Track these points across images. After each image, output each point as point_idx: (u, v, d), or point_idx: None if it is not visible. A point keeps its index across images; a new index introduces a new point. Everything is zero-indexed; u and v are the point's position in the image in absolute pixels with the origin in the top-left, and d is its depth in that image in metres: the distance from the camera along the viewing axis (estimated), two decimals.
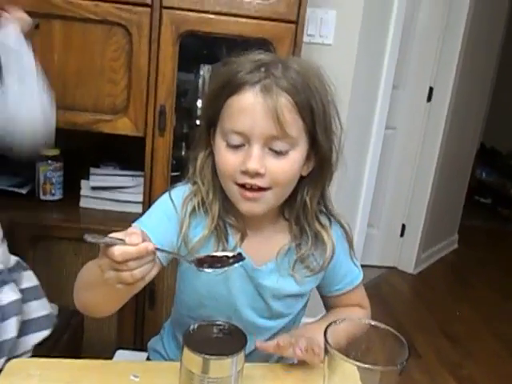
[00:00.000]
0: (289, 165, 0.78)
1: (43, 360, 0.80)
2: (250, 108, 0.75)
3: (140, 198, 1.53)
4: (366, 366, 0.56)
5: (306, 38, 1.73)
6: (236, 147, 0.77)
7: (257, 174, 0.75)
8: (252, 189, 0.77)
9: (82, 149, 1.63)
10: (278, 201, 0.82)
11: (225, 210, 0.84)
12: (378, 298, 2.62)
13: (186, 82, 1.66)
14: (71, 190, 1.63)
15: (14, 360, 0.79)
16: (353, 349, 0.65)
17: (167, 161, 1.47)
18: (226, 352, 0.63)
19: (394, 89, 2.42)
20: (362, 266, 0.97)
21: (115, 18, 1.36)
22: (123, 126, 1.44)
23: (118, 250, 0.60)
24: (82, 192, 1.61)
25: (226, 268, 0.70)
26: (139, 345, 1.51)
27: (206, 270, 0.70)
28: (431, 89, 2.72)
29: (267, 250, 0.86)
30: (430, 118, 2.76)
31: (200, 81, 1.67)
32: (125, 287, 0.63)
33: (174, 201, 0.85)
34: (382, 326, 0.65)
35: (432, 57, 2.67)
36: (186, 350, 0.64)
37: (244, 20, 1.39)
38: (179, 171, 1.48)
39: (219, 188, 0.83)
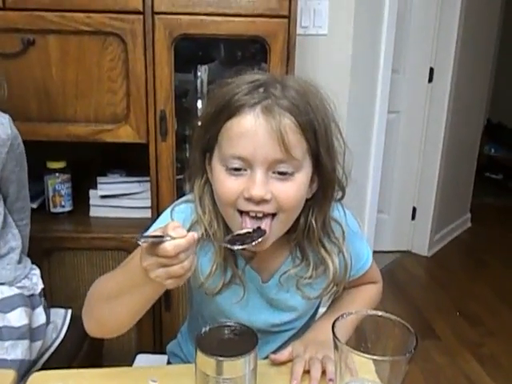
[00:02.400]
0: (295, 188, 0.74)
1: (64, 371, 0.82)
2: (251, 131, 0.71)
3: (148, 203, 1.55)
4: (375, 357, 0.57)
5: (300, 30, 1.73)
6: (236, 172, 0.73)
7: (262, 201, 0.72)
8: (256, 217, 0.74)
9: (87, 159, 1.65)
10: (284, 228, 0.79)
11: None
12: (393, 283, 2.62)
13: (185, 82, 1.66)
14: (80, 200, 1.65)
15: (36, 373, 0.81)
16: (362, 340, 0.66)
17: (171, 165, 1.48)
18: (238, 352, 0.64)
19: (394, 73, 2.41)
20: (375, 252, 0.97)
21: (108, 27, 1.37)
22: (125, 134, 1.45)
23: (170, 246, 0.60)
24: (91, 201, 1.64)
25: (255, 242, 0.72)
26: (159, 348, 1.54)
27: (240, 247, 0.73)
28: (431, 69, 2.70)
29: (272, 265, 0.86)
30: (433, 99, 2.74)
31: (198, 82, 1.68)
32: (174, 281, 0.64)
33: None
34: (392, 316, 0.66)
35: (430, 36, 2.65)
36: (199, 353, 0.65)
37: (236, 19, 1.39)
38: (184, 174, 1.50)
39: (221, 216, 0.80)
